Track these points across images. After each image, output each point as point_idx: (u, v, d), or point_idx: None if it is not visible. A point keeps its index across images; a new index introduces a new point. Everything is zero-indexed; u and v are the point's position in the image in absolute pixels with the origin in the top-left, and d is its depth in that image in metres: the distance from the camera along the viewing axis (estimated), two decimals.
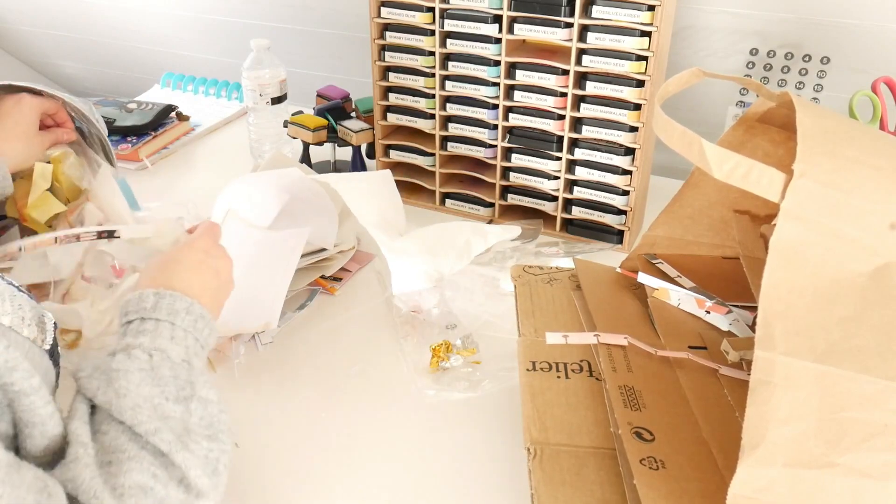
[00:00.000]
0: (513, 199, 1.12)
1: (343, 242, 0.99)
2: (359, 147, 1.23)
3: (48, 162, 0.98)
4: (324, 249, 0.96)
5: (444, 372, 0.83)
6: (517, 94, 1.04)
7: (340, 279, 0.99)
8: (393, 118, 1.15)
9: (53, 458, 0.50)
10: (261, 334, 0.87)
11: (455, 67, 1.06)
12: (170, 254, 0.67)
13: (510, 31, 1.00)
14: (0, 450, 0.44)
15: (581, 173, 1.05)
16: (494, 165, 1.10)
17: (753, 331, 0.60)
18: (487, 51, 1.02)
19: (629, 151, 1.01)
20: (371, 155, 1.25)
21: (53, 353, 0.55)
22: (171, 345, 0.57)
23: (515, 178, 1.10)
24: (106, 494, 0.48)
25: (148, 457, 0.50)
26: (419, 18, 1.04)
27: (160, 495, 0.49)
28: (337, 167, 1.28)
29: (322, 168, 1.28)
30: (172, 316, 0.58)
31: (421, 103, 1.12)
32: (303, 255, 0.93)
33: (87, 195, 0.95)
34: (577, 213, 1.08)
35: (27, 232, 0.93)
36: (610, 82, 0.98)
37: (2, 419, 0.48)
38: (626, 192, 1.04)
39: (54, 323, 0.57)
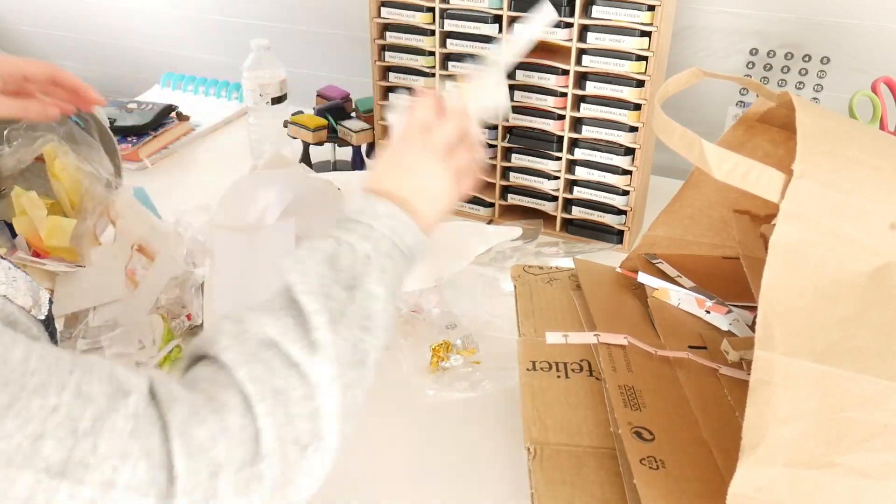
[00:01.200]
0: (513, 199, 1.12)
1: None
2: (359, 147, 1.23)
3: (41, 159, 0.97)
4: None
5: (444, 372, 0.83)
6: (517, 94, 1.04)
7: None
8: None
9: None
10: None
11: (455, 67, 1.06)
12: (389, 154, 0.65)
13: (510, 31, 1.00)
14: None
15: (581, 173, 1.05)
16: (494, 165, 1.10)
17: (753, 331, 0.60)
18: (487, 51, 1.02)
19: (629, 151, 1.01)
20: (371, 155, 1.25)
21: (49, 326, 0.55)
22: (361, 241, 0.57)
23: (515, 178, 1.10)
24: (223, 337, 0.48)
25: (290, 321, 0.50)
26: (419, 18, 1.04)
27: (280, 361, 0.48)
28: (337, 167, 1.28)
29: (322, 168, 1.28)
30: (373, 219, 0.58)
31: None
32: None
33: (107, 211, 0.94)
34: (577, 213, 1.08)
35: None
36: (610, 82, 0.98)
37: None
38: (626, 192, 1.04)
39: (49, 298, 0.57)
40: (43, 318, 0.55)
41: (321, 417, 0.48)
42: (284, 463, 0.46)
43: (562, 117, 1.03)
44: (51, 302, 0.57)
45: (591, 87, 0.99)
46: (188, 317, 0.89)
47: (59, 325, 0.87)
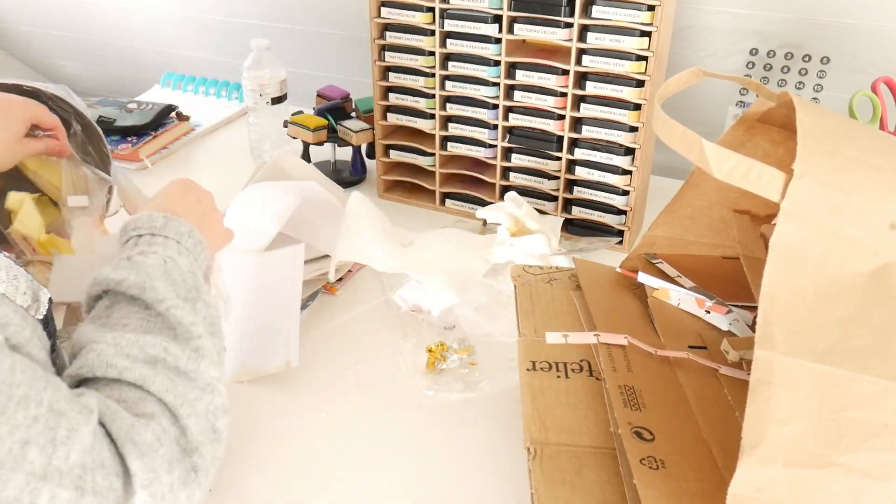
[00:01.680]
0: None
1: None
2: (359, 147, 1.23)
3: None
4: (326, 257, 0.95)
5: (442, 372, 0.83)
6: (517, 94, 1.04)
7: (341, 279, 0.99)
8: (393, 118, 1.15)
9: None
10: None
11: (455, 67, 1.06)
12: (157, 196, 0.71)
13: (510, 31, 1.00)
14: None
15: (581, 173, 1.05)
16: (494, 165, 1.10)
17: (753, 331, 0.60)
18: (487, 51, 1.02)
19: (629, 151, 1.01)
20: (371, 155, 1.25)
21: (48, 325, 0.56)
22: (179, 258, 0.62)
23: (515, 178, 1.10)
24: (115, 360, 0.53)
25: (161, 335, 0.56)
26: (419, 18, 1.04)
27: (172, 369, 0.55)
28: (337, 167, 1.28)
29: (322, 168, 1.27)
30: (179, 236, 0.63)
31: (421, 103, 1.12)
32: (309, 261, 0.92)
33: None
34: (577, 213, 1.08)
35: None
36: (610, 82, 0.98)
37: None
38: (626, 192, 1.04)
39: (49, 298, 0.58)
40: (41, 317, 0.55)
41: (217, 412, 0.56)
42: (209, 453, 0.54)
43: (562, 117, 1.03)
44: (50, 301, 0.58)
45: (591, 87, 0.99)
46: None
47: (58, 323, 0.87)
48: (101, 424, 0.49)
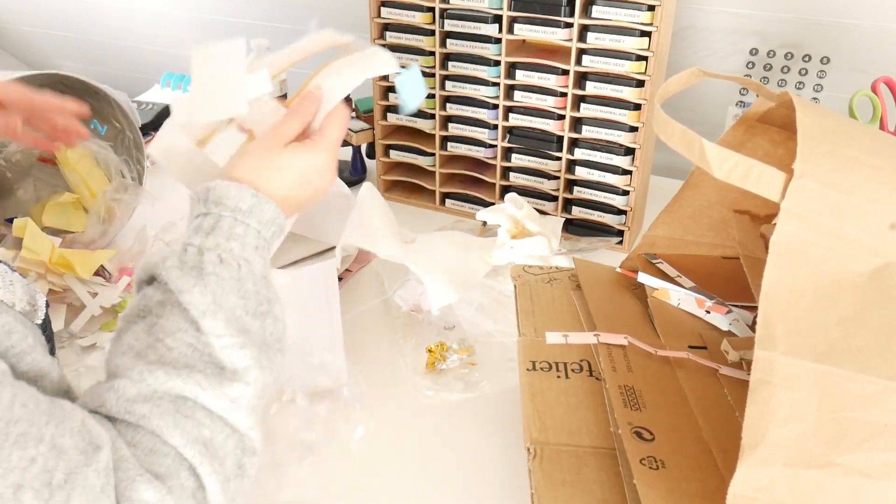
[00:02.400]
0: None
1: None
2: (359, 147, 1.23)
3: (45, 160, 0.98)
4: (332, 249, 0.94)
5: (442, 372, 0.83)
6: (517, 94, 1.04)
7: (342, 278, 0.99)
8: (393, 118, 1.15)
9: (68, 399, 0.50)
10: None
11: (455, 67, 1.06)
12: (276, 152, 0.63)
13: (510, 31, 1.00)
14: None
15: (581, 173, 1.05)
16: (494, 165, 1.10)
17: (753, 331, 0.60)
18: (487, 51, 1.02)
19: (629, 151, 1.01)
20: (371, 155, 1.25)
21: (46, 329, 0.56)
22: (256, 256, 0.56)
23: (515, 178, 1.10)
24: (139, 403, 0.48)
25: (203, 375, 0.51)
26: (419, 18, 1.04)
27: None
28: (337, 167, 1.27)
29: None
30: (261, 225, 0.57)
31: (421, 103, 1.11)
32: (315, 255, 0.92)
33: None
34: (577, 213, 1.08)
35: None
36: (610, 82, 0.98)
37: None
38: (626, 192, 1.04)
39: (46, 302, 0.57)
40: (40, 322, 0.55)
41: (245, 452, 0.51)
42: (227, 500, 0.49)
43: (562, 117, 1.03)
44: (47, 305, 0.57)
45: (591, 87, 0.99)
46: None
47: (59, 323, 0.87)
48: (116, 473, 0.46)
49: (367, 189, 0.95)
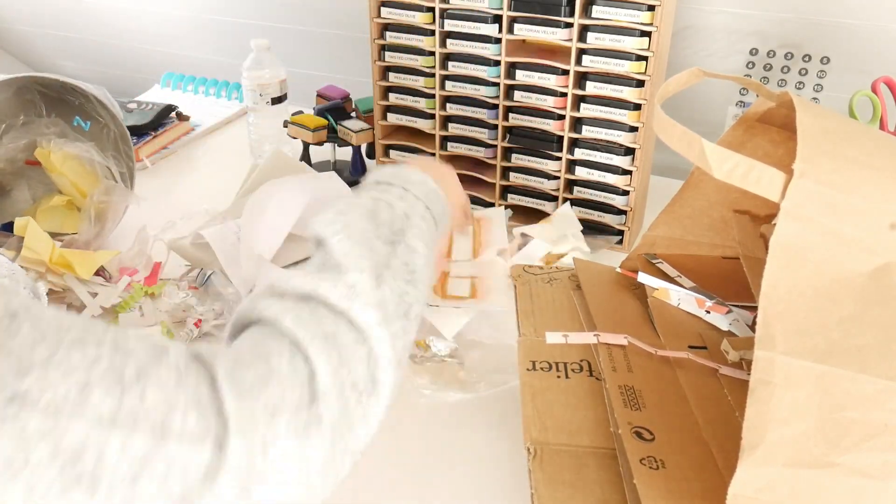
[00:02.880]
0: (513, 198, 1.12)
1: None
2: (359, 147, 1.23)
3: (33, 161, 0.98)
4: None
5: (440, 373, 0.83)
6: (517, 94, 1.04)
7: None
8: (393, 118, 1.15)
9: None
10: None
11: (455, 67, 1.06)
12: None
13: (510, 31, 1.00)
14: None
15: (581, 173, 1.05)
16: (494, 165, 1.10)
17: (753, 331, 0.60)
18: (487, 51, 1.02)
19: (629, 151, 1.01)
20: (371, 155, 1.25)
21: None
22: (398, 201, 0.58)
23: (515, 178, 1.10)
24: (262, 299, 0.48)
25: (330, 274, 0.50)
26: (419, 18, 1.04)
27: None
28: (337, 167, 1.28)
29: (322, 168, 1.28)
30: (406, 183, 0.61)
31: (421, 103, 1.12)
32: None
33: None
34: (577, 213, 1.08)
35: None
36: (610, 82, 0.98)
37: None
38: (626, 192, 1.04)
39: (47, 292, 0.57)
40: None
41: (375, 362, 0.47)
42: (343, 406, 0.45)
43: (562, 117, 1.03)
44: (48, 294, 0.58)
45: (591, 87, 0.99)
46: (197, 324, 0.88)
47: None
48: (201, 362, 0.43)
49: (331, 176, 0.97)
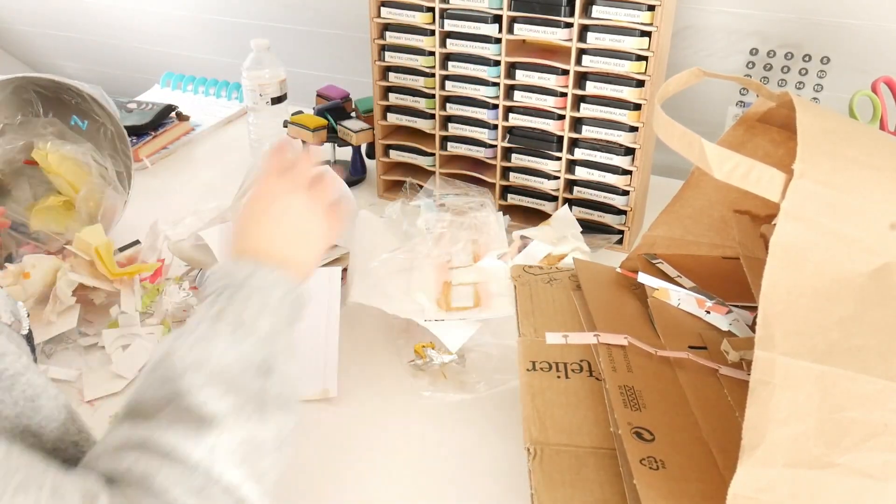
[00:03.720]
0: (513, 198, 1.12)
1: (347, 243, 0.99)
2: (359, 147, 1.23)
3: (31, 161, 0.99)
4: (336, 247, 0.95)
5: (439, 374, 0.83)
6: (517, 94, 1.04)
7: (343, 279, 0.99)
8: (393, 118, 1.15)
9: (67, 414, 0.50)
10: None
11: (455, 67, 1.06)
12: (251, 207, 0.63)
13: (510, 31, 1.00)
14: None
15: (581, 173, 1.05)
16: (494, 165, 1.10)
17: (753, 331, 0.60)
18: (487, 51, 1.02)
19: (629, 151, 1.01)
20: (371, 155, 1.25)
21: (30, 339, 0.55)
22: (261, 319, 0.56)
23: (515, 178, 1.10)
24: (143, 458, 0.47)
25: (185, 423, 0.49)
26: (419, 18, 1.04)
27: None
28: (337, 167, 1.28)
29: None
30: (266, 288, 0.57)
31: (421, 103, 1.12)
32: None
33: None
34: (577, 213, 1.08)
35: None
36: (610, 82, 0.98)
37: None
38: (626, 192, 1.04)
39: (28, 313, 0.57)
40: (25, 333, 0.55)
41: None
42: None
43: (562, 117, 1.03)
44: (28, 314, 0.57)
45: (591, 87, 0.99)
46: None
47: (73, 321, 0.87)
48: None
49: (363, 220, 0.97)
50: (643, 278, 0.79)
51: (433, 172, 1.15)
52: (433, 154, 1.14)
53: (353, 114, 1.24)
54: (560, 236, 0.99)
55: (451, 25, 1.03)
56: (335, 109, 1.23)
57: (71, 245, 0.91)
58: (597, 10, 0.94)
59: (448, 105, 1.09)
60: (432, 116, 1.11)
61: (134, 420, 0.50)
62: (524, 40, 1.04)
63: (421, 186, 1.13)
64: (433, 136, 1.12)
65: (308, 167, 0.66)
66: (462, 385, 0.82)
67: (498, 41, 1.01)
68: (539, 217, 1.10)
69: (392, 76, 1.12)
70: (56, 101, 1.06)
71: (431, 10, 1.03)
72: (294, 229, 0.62)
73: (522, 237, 0.99)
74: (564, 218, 1.03)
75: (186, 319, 0.89)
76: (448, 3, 1.02)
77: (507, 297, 0.87)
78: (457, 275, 0.92)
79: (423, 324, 0.84)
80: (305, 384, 0.80)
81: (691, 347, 0.71)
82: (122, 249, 0.97)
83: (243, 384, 0.52)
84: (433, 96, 1.09)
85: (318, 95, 1.28)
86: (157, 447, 0.48)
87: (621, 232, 1.07)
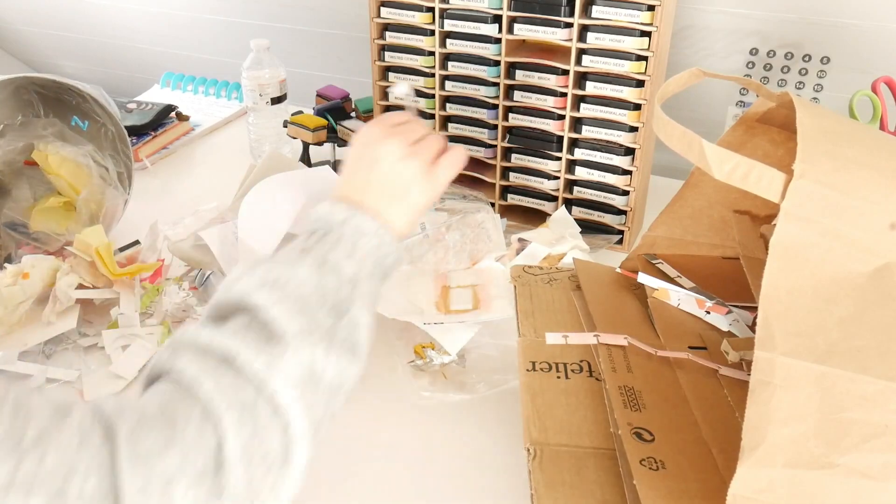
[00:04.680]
0: (513, 198, 1.12)
1: None
2: None
3: (31, 162, 0.99)
4: None
5: (438, 374, 0.83)
6: (517, 94, 1.04)
7: None
8: None
9: None
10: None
11: (455, 67, 1.06)
12: (353, 150, 0.64)
13: (510, 31, 1.00)
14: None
15: (581, 173, 1.05)
16: (494, 165, 1.10)
17: (753, 331, 0.60)
18: (487, 51, 1.02)
19: (629, 151, 1.01)
20: None
21: None
22: (345, 261, 0.55)
23: (515, 178, 1.10)
24: (184, 355, 0.46)
25: (255, 339, 0.48)
26: (419, 18, 1.04)
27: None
28: (337, 167, 1.28)
29: None
30: (357, 236, 0.57)
31: (421, 103, 1.11)
32: None
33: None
34: (577, 213, 1.08)
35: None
36: (610, 82, 0.98)
37: None
38: (626, 192, 1.04)
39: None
40: None
41: (291, 437, 0.46)
42: (249, 478, 0.43)
43: (562, 117, 1.02)
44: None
45: (591, 87, 0.99)
46: None
47: (72, 322, 0.87)
48: (105, 420, 0.42)
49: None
50: (643, 278, 0.79)
51: None
52: None
53: (353, 114, 1.24)
54: (558, 237, 0.99)
55: (450, 25, 1.03)
56: (335, 109, 1.23)
57: (71, 246, 0.91)
58: (597, 10, 0.94)
59: (448, 105, 1.09)
60: (432, 116, 1.11)
61: (203, 323, 0.49)
62: (524, 40, 1.04)
63: None
64: None
65: (418, 127, 0.66)
66: (462, 385, 0.82)
67: (498, 41, 1.01)
68: (539, 217, 1.10)
69: (392, 76, 1.12)
70: (56, 102, 1.06)
71: (431, 10, 1.03)
72: (391, 181, 0.62)
73: (520, 240, 0.99)
74: (562, 220, 1.03)
75: (186, 320, 0.89)
76: (448, 3, 1.02)
77: (506, 299, 0.87)
78: (455, 277, 0.92)
79: (422, 327, 0.84)
80: None
81: (691, 348, 0.71)
82: (121, 250, 0.97)
83: (315, 316, 0.51)
84: (433, 96, 1.09)
85: (318, 95, 1.28)
86: (217, 351, 0.46)
87: (621, 232, 1.07)
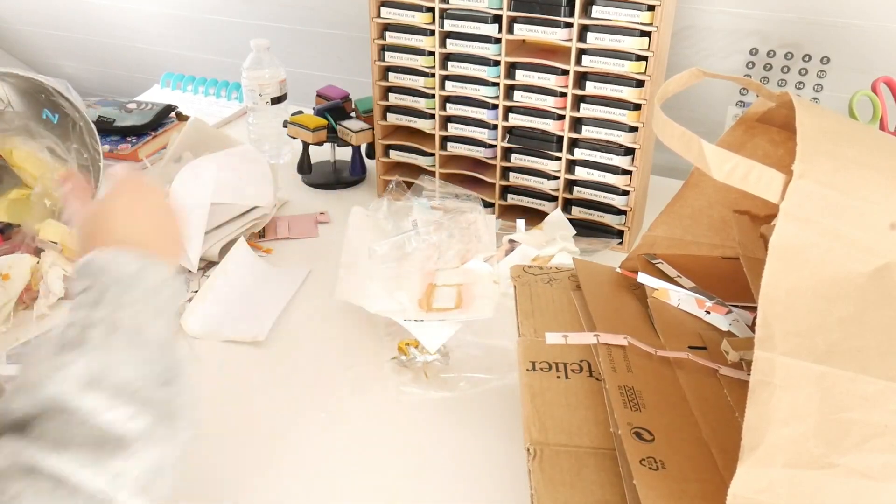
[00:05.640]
0: (513, 199, 1.12)
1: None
2: (359, 147, 1.23)
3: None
4: (256, 207, 1.07)
5: (433, 372, 0.83)
6: (517, 94, 1.04)
7: (263, 234, 1.11)
8: (393, 118, 1.15)
9: None
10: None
11: (455, 67, 1.06)
12: (98, 209, 0.61)
13: (510, 31, 1.00)
14: None
15: (581, 173, 1.05)
16: (494, 165, 1.10)
17: (753, 331, 0.60)
18: (487, 51, 1.02)
19: (629, 151, 1.01)
20: (371, 155, 1.25)
21: None
22: (140, 315, 0.52)
23: (515, 178, 1.10)
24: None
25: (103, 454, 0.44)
26: (419, 18, 1.04)
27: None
28: (336, 167, 1.28)
29: (322, 168, 1.27)
30: (129, 286, 0.53)
31: (421, 103, 1.12)
32: (239, 216, 1.05)
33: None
34: (577, 213, 1.08)
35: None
36: (610, 82, 0.98)
37: None
38: (626, 192, 1.04)
39: None
40: None
41: None
42: None
43: (562, 117, 1.02)
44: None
45: (591, 87, 0.99)
46: None
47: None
48: None
49: (355, 217, 1.02)
50: (643, 278, 0.79)
51: (433, 172, 1.15)
52: (433, 154, 1.14)
53: (352, 114, 1.24)
54: (549, 239, 0.99)
55: (450, 25, 1.03)
56: (335, 109, 1.23)
57: (34, 241, 0.93)
58: (597, 10, 0.94)
59: (448, 105, 1.09)
60: (432, 116, 1.11)
61: (17, 436, 0.43)
62: (524, 40, 1.04)
63: (409, 185, 1.13)
64: (433, 136, 1.12)
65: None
66: (444, 383, 0.82)
67: (498, 41, 1.01)
68: (539, 217, 1.10)
69: (392, 76, 1.12)
70: (32, 96, 1.07)
71: (431, 10, 1.03)
72: (156, 228, 0.62)
73: (510, 241, 0.99)
74: (557, 222, 1.03)
75: None
76: (448, 3, 1.02)
77: (489, 299, 0.89)
78: (442, 276, 0.93)
79: (402, 323, 0.85)
80: (242, 329, 0.90)
81: (691, 347, 0.71)
82: None
83: (148, 398, 0.48)
84: (433, 96, 1.09)
85: (318, 95, 1.27)
86: (49, 473, 0.42)
87: (621, 232, 1.07)
